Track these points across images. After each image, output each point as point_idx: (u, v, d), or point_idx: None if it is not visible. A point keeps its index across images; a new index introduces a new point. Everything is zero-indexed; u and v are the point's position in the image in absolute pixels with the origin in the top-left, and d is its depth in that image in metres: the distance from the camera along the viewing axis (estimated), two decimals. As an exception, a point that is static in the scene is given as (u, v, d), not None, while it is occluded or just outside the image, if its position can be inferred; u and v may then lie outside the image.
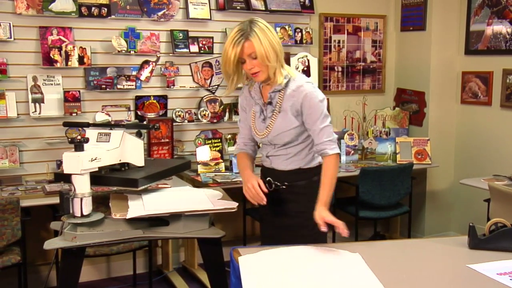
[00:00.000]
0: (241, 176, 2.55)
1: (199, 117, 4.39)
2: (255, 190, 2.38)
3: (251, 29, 2.33)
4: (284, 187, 2.52)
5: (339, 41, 5.03)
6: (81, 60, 3.95)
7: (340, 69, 5.07)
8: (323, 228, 2.25)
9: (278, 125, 2.44)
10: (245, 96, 2.60)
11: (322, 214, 2.27)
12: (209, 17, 4.38)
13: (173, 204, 2.49)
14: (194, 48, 4.34)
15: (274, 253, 2.17)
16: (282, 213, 2.53)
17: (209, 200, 2.58)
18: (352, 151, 4.77)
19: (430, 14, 4.89)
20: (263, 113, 2.50)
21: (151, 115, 4.27)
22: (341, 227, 2.19)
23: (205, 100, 4.45)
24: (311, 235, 2.41)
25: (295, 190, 2.50)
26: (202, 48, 4.38)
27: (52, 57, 3.87)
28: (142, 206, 2.45)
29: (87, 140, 2.36)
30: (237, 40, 2.32)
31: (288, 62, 4.42)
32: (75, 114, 3.97)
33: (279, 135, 2.45)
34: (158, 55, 4.26)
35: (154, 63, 4.25)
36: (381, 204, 4.39)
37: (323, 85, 4.94)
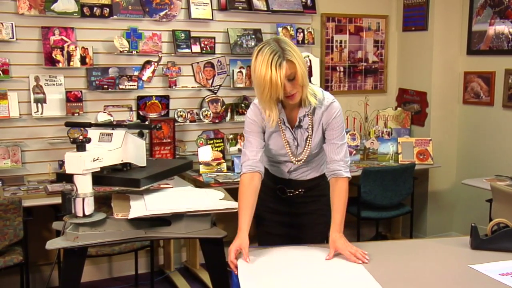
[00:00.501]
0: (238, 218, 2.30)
1: (201, 117, 4.39)
2: (230, 259, 2.15)
3: (284, 49, 2.14)
4: (300, 192, 2.53)
5: (341, 41, 5.03)
6: (83, 60, 3.96)
7: (342, 69, 5.07)
8: (328, 258, 2.14)
9: (313, 147, 2.39)
10: (258, 113, 2.35)
11: (337, 245, 2.15)
12: (211, 17, 4.38)
13: (175, 204, 2.49)
14: (196, 48, 4.34)
15: (272, 254, 2.18)
16: (298, 212, 2.55)
17: (210, 200, 2.58)
18: (354, 151, 4.76)
19: (432, 14, 4.89)
20: (296, 140, 2.37)
21: (153, 115, 4.27)
22: (360, 257, 2.09)
23: (207, 100, 4.45)
24: (326, 232, 2.36)
25: (312, 193, 2.53)
26: (204, 48, 4.38)
27: (54, 57, 3.87)
28: (144, 206, 2.45)
29: (89, 140, 2.36)
30: (277, 62, 2.11)
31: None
32: (77, 114, 3.97)
33: (313, 153, 2.43)
34: (160, 55, 4.26)
35: (156, 63, 4.26)
36: (383, 205, 4.38)
37: (325, 85, 4.94)
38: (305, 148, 2.39)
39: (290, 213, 2.57)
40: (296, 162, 2.41)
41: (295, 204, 2.56)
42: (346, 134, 4.68)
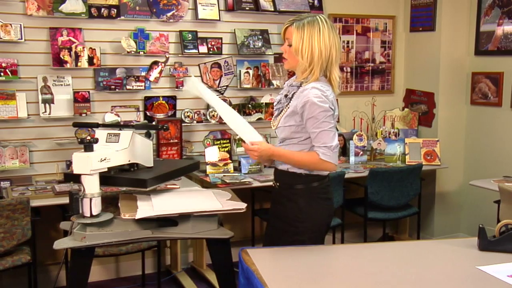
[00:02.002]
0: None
1: (208, 117, 4.40)
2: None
3: (303, 19, 2.37)
4: (275, 186, 2.54)
5: (348, 42, 5.02)
6: (90, 61, 3.97)
7: (349, 69, 5.06)
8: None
9: (282, 119, 2.45)
10: None
11: (258, 144, 2.38)
12: (218, 18, 4.38)
13: (182, 205, 2.49)
14: (203, 48, 4.34)
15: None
16: (280, 215, 2.52)
17: (217, 200, 2.58)
18: (361, 152, 4.75)
19: (439, 15, 4.87)
20: (280, 103, 2.52)
21: (160, 115, 4.28)
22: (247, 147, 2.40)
23: (214, 100, 4.45)
24: (305, 241, 2.40)
25: (294, 193, 2.46)
26: (211, 49, 4.38)
27: (62, 58, 3.89)
28: (151, 206, 2.45)
29: (96, 141, 2.37)
30: (289, 21, 2.41)
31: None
32: (84, 115, 3.99)
33: (279, 128, 2.48)
34: (167, 56, 4.27)
35: (163, 64, 4.27)
36: (390, 205, 4.37)
37: (332, 85, 4.93)
38: (278, 116, 2.49)
39: (276, 214, 2.57)
40: (272, 127, 2.54)
41: (273, 202, 2.59)
42: (353, 134, 4.72)
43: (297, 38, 2.34)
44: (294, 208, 2.44)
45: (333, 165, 2.35)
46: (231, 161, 4.28)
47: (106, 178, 2.44)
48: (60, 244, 2.32)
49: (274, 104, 2.58)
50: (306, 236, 2.41)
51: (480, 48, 4.82)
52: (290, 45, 2.38)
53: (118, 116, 4.14)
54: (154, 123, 4.18)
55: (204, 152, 4.27)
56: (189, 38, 4.31)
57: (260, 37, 4.52)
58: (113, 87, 4.09)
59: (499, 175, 4.42)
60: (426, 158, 4.70)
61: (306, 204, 2.42)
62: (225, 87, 4.51)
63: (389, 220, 4.73)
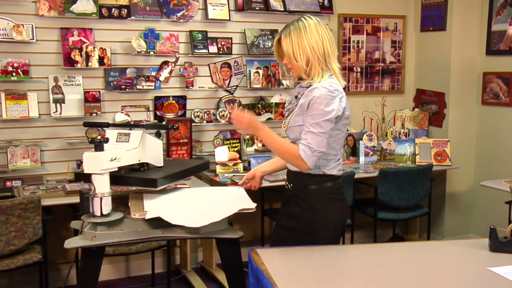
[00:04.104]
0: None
1: (218, 117, 4.40)
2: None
3: (288, 27, 2.41)
4: (288, 187, 2.52)
5: (358, 42, 5.01)
6: (101, 60, 3.99)
7: (359, 69, 5.05)
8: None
9: (292, 119, 2.44)
10: None
11: (246, 116, 2.39)
12: (228, 18, 4.39)
13: (192, 214, 2.46)
14: (213, 48, 4.35)
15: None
16: (293, 215, 2.49)
17: (229, 201, 2.57)
18: (371, 152, 4.74)
19: (450, 14, 4.84)
20: (291, 104, 2.53)
21: (170, 115, 4.30)
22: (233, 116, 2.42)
23: (223, 100, 4.46)
24: (319, 241, 2.38)
25: (307, 193, 2.44)
26: (221, 49, 4.39)
27: (73, 58, 3.91)
28: (161, 206, 2.46)
29: (107, 140, 2.37)
30: (277, 35, 2.46)
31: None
32: (95, 114, 4.00)
33: (289, 129, 2.46)
34: (177, 56, 4.28)
35: (173, 64, 4.28)
36: (400, 206, 4.36)
37: (342, 85, 4.92)
38: (288, 117, 2.48)
39: (287, 213, 2.55)
40: (283, 128, 2.52)
41: (286, 203, 2.56)
42: (363, 134, 4.71)
43: (287, 44, 2.39)
44: (308, 208, 2.42)
45: (307, 166, 2.31)
46: (240, 161, 4.28)
47: (117, 177, 2.44)
48: (71, 243, 2.33)
49: (285, 105, 2.60)
50: (320, 237, 2.39)
51: (492, 47, 4.79)
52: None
53: (129, 116, 4.16)
54: (164, 123, 4.19)
55: (214, 151, 4.28)
56: (199, 38, 4.31)
57: (270, 37, 4.52)
58: (123, 87, 4.11)
59: (511, 175, 4.39)
60: (437, 159, 4.68)
61: (320, 204, 2.41)
62: (235, 87, 4.51)
63: (399, 220, 4.71)
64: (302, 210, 2.44)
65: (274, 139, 2.40)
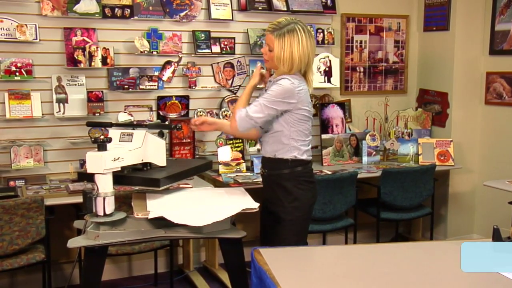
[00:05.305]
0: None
1: (221, 117, 4.40)
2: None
3: (283, 28, 2.57)
4: (264, 173, 2.79)
5: (361, 42, 5.00)
6: (104, 60, 4.00)
7: (362, 69, 5.04)
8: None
9: None
10: None
11: (198, 119, 2.79)
12: (231, 18, 4.39)
13: (194, 213, 2.46)
14: (216, 48, 4.35)
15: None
16: (271, 199, 2.75)
17: (231, 202, 2.58)
18: (374, 152, 4.74)
19: (454, 14, 4.83)
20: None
21: (173, 115, 4.30)
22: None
23: (226, 100, 4.46)
24: (294, 219, 2.68)
25: (281, 177, 2.69)
26: (224, 49, 4.39)
27: (76, 57, 3.92)
28: (164, 206, 2.46)
29: (110, 140, 2.38)
30: (269, 27, 2.63)
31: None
32: (98, 114, 4.01)
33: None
34: (180, 56, 4.28)
35: (176, 64, 4.28)
36: (403, 206, 4.35)
37: (345, 85, 4.91)
38: None
39: (266, 199, 2.79)
40: None
41: (264, 188, 2.83)
42: (366, 134, 4.71)
43: (278, 47, 2.58)
44: (282, 191, 2.69)
45: (235, 125, 2.61)
46: (243, 161, 4.28)
47: (119, 177, 2.45)
48: (74, 242, 2.34)
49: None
50: (295, 215, 2.68)
51: (495, 47, 4.78)
52: (271, 50, 2.63)
53: (131, 115, 4.16)
54: (167, 122, 4.20)
55: (216, 151, 4.28)
56: (202, 38, 4.32)
57: (273, 37, 4.51)
58: (126, 86, 4.11)
59: (514, 176, 4.38)
60: (440, 159, 4.67)
61: (292, 186, 2.68)
62: (238, 86, 4.51)
63: (402, 220, 4.70)
64: (277, 193, 2.70)
65: (225, 124, 2.82)
